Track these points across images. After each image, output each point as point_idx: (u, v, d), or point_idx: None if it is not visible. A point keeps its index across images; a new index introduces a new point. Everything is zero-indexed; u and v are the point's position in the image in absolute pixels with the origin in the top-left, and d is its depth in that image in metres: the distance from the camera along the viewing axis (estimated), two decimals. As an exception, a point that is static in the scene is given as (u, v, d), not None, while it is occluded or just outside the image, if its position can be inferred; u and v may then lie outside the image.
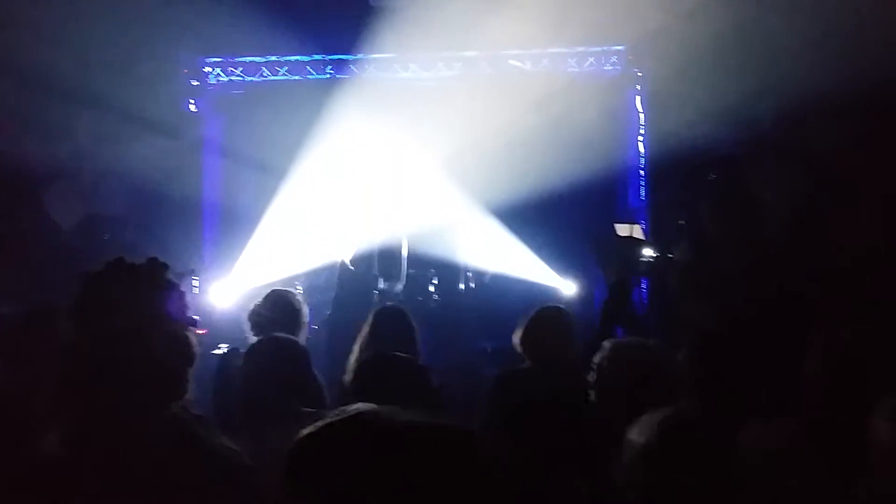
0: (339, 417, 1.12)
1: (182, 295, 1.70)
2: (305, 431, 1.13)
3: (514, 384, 3.47)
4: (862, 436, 1.93)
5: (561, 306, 4.01)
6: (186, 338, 1.68)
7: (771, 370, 2.61)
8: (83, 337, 1.58)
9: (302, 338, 3.71)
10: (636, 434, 1.79)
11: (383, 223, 7.28)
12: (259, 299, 3.85)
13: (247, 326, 3.76)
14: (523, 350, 3.60)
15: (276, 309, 3.75)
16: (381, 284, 6.89)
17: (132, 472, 1.51)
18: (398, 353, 3.15)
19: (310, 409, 2.81)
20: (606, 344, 2.74)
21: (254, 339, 3.67)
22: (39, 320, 2.34)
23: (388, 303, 5.19)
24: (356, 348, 3.72)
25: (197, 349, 1.71)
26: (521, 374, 3.57)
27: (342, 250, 6.84)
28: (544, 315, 3.69)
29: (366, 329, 3.76)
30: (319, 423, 1.13)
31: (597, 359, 2.68)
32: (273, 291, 3.92)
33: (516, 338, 3.66)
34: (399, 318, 3.85)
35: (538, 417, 2.96)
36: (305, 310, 3.88)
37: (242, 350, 3.67)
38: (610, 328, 3.34)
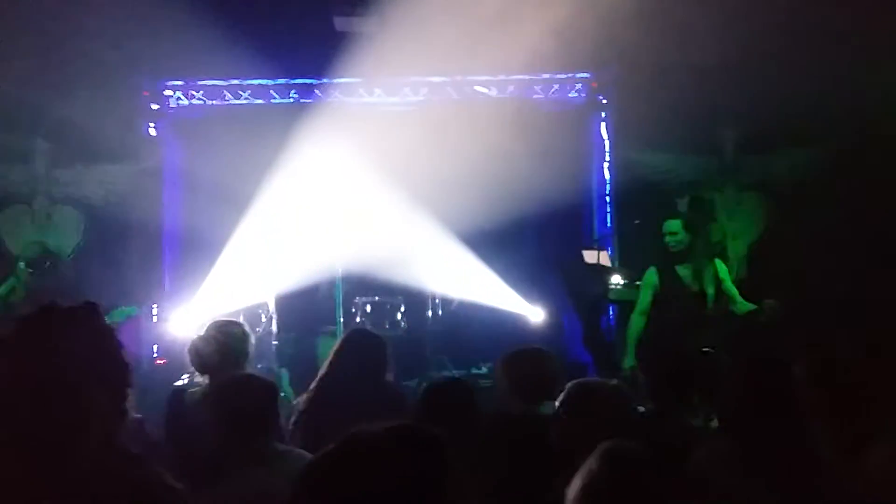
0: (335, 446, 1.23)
1: (114, 337, 1.73)
2: (310, 460, 1.27)
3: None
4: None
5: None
6: (120, 379, 1.71)
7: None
8: (7, 376, 1.61)
9: (249, 369, 3.57)
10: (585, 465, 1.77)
11: (347, 250, 7.21)
12: (198, 335, 3.60)
13: (188, 363, 3.56)
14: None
15: (216, 344, 3.50)
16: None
17: None
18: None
19: (284, 447, 2.72)
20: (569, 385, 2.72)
21: (199, 377, 3.52)
22: None
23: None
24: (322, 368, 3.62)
25: (132, 392, 1.74)
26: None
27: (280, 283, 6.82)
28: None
29: (334, 349, 3.66)
30: (320, 454, 1.24)
31: (560, 399, 2.65)
32: (214, 322, 3.65)
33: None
34: (367, 337, 3.78)
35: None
36: (251, 341, 3.67)
37: (191, 388, 3.53)
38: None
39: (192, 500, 1.77)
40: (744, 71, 6.69)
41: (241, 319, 5.96)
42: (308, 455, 2.62)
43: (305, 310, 7.45)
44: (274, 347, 7.04)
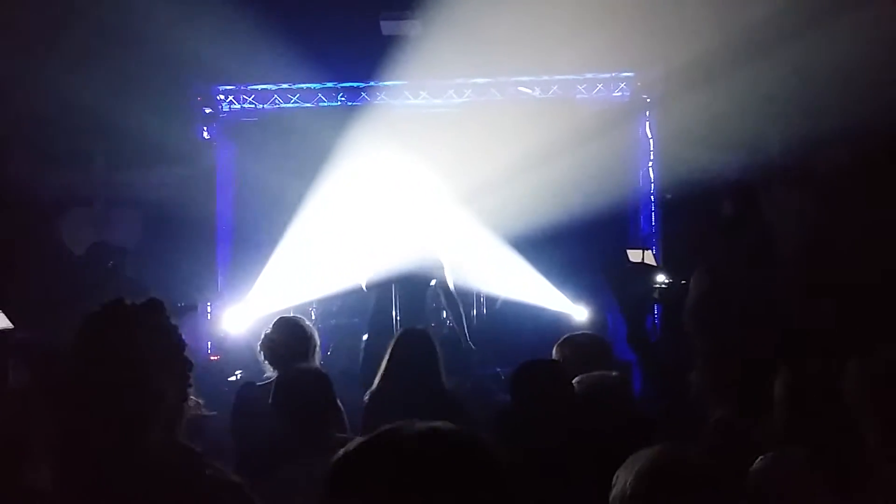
0: (371, 436, 1.17)
1: (177, 333, 1.76)
2: (341, 451, 1.17)
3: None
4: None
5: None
6: (183, 375, 1.74)
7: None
8: (78, 377, 1.65)
9: (316, 363, 3.73)
10: (627, 469, 1.77)
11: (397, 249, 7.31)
12: (269, 328, 3.85)
13: (260, 356, 3.78)
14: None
15: (288, 336, 3.76)
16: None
17: None
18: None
19: (343, 436, 2.83)
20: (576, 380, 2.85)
21: (270, 369, 3.68)
22: (43, 359, 2.40)
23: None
24: (379, 372, 3.73)
25: (191, 387, 1.77)
26: None
27: (362, 275, 6.84)
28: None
29: (388, 351, 3.77)
30: (354, 443, 1.17)
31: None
32: (281, 318, 3.91)
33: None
34: (421, 339, 3.86)
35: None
36: (316, 335, 3.90)
37: (259, 382, 3.69)
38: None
39: (255, 490, 1.81)
40: (789, 66, 6.64)
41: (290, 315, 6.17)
42: None
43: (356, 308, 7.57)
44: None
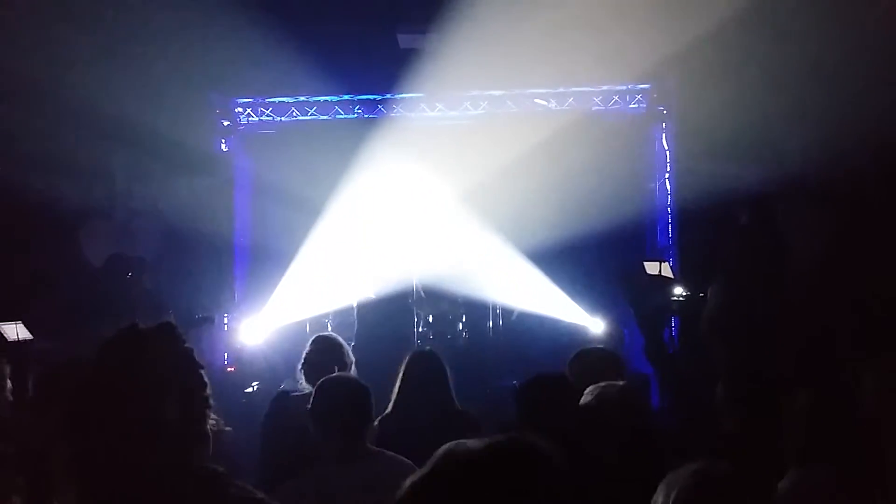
0: (433, 462, 1.17)
1: (191, 357, 1.74)
2: (407, 483, 1.17)
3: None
4: None
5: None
6: (198, 401, 1.72)
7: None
8: (95, 401, 1.65)
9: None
10: (667, 487, 1.76)
11: (414, 260, 7.37)
12: (307, 347, 3.93)
13: (300, 376, 3.83)
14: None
15: (328, 352, 3.85)
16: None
17: None
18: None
19: (376, 448, 2.83)
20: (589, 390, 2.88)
21: (307, 387, 3.71)
22: (66, 377, 2.41)
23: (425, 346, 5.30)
24: (392, 396, 3.74)
25: (210, 408, 1.75)
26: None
27: (361, 290, 6.97)
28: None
29: (400, 375, 3.79)
30: (418, 475, 1.17)
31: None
32: (320, 336, 4.01)
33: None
34: (430, 361, 3.87)
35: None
36: (349, 350, 3.95)
37: (293, 393, 3.72)
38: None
39: (287, 499, 1.77)
40: (807, 79, 6.60)
41: (306, 329, 6.23)
42: (398, 457, 2.75)
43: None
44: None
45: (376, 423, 3.68)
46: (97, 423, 1.59)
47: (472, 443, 1.16)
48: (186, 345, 1.74)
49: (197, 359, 1.74)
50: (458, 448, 1.16)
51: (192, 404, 1.70)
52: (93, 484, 1.57)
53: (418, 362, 3.82)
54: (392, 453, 2.78)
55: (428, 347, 4.95)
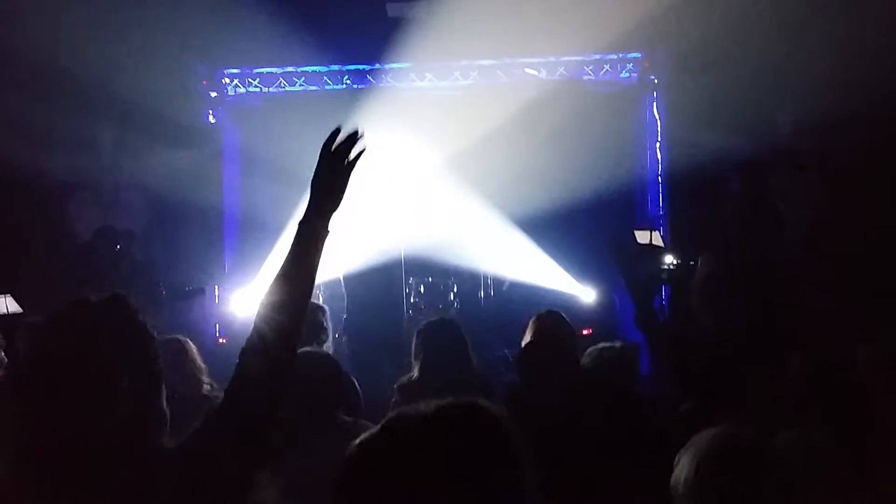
0: (384, 422, 1.17)
1: (142, 329, 1.69)
2: (357, 441, 1.17)
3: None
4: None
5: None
6: (151, 373, 1.68)
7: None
8: (40, 368, 1.61)
9: (327, 347, 3.75)
10: (690, 453, 1.79)
11: (405, 231, 7.38)
12: None
13: None
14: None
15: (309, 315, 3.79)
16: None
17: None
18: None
19: (349, 418, 2.84)
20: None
21: None
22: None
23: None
24: (415, 365, 3.73)
25: (162, 381, 1.70)
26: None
27: (351, 261, 7.01)
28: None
29: (417, 342, 3.78)
30: (369, 433, 1.17)
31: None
32: None
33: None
34: (451, 328, 3.89)
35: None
36: (327, 319, 3.91)
37: None
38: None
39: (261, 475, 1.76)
40: (799, 50, 6.58)
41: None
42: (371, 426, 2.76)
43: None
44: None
45: (395, 388, 3.70)
46: (41, 391, 1.56)
47: (424, 405, 1.16)
48: (138, 316, 1.69)
49: (150, 331, 1.70)
50: (410, 410, 1.17)
51: (144, 377, 1.65)
52: (32, 450, 1.54)
53: (439, 330, 3.84)
54: (366, 423, 2.78)
55: (447, 316, 4.97)
